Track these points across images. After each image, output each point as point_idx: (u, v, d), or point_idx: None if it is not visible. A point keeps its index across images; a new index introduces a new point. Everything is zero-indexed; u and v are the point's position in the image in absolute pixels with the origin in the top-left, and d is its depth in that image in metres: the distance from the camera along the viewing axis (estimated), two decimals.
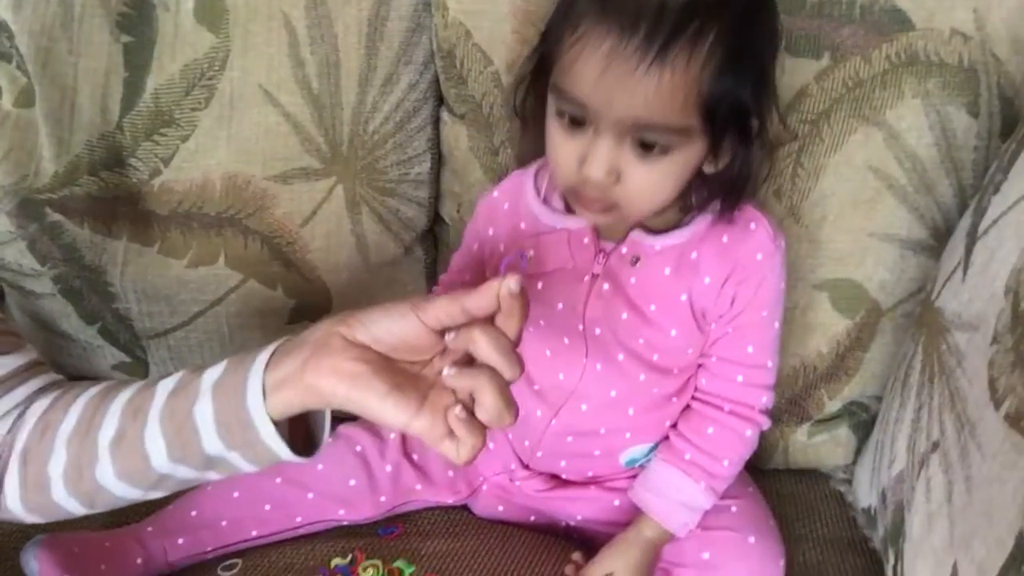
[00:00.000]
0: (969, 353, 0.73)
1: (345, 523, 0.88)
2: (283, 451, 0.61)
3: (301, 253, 0.98)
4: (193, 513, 0.85)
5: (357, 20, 0.93)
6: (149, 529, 0.84)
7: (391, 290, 1.01)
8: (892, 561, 0.81)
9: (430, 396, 0.58)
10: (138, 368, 1.05)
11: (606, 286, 0.79)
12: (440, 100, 0.98)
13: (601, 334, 0.80)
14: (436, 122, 0.99)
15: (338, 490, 0.87)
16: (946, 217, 0.91)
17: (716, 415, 0.83)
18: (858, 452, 1.01)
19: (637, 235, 0.79)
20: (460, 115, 0.96)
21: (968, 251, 0.78)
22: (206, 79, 0.94)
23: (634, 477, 0.87)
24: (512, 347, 0.57)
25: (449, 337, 0.58)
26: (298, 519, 0.87)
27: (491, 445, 0.91)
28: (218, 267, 0.98)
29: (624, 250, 0.79)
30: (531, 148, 0.82)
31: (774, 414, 0.86)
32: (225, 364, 0.63)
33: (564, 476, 0.90)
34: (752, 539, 0.83)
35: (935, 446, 0.74)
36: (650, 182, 0.70)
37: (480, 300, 0.57)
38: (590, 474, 0.89)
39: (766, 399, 0.84)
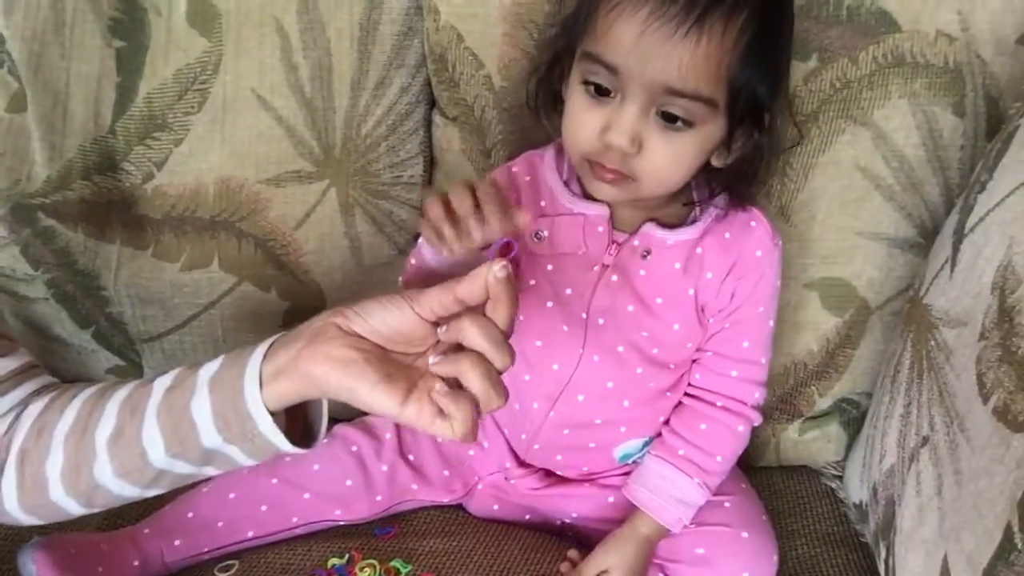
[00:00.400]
0: (957, 349, 0.74)
1: (341, 523, 0.88)
2: (281, 442, 0.61)
3: (295, 256, 0.98)
4: (190, 515, 0.85)
5: (349, 24, 0.93)
6: (146, 531, 0.84)
7: (384, 292, 1.00)
8: (883, 555, 0.82)
9: (419, 384, 0.59)
10: (133, 372, 1.05)
11: (615, 277, 0.80)
12: (432, 103, 0.99)
13: (604, 324, 0.81)
14: (428, 125, 0.99)
15: (334, 490, 0.87)
16: (933, 216, 0.92)
17: (709, 411, 0.84)
18: (849, 448, 1.03)
19: (650, 228, 0.80)
20: (452, 118, 0.96)
21: (955, 249, 0.79)
22: (199, 83, 0.94)
23: (627, 474, 0.87)
24: (501, 335, 0.58)
25: (441, 331, 0.59)
26: (294, 520, 0.87)
27: (485, 444, 0.91)
28: (212, 270, 0.98)
29: (636, 242, 0.80)
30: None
31: (765, 411, 0.87)
32: (222, 359, 0.64)
33: (559, 472, 0.90)
34: (746, 534, 0.84)
35: (925, 441, 0.75)
36: (669, 156, 0.71)
37: (470, 287, 0.58)
38: (585, 469, 0.90)
39: (758, 395, 0.85)
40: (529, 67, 0.89)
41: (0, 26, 0.94)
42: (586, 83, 0.71)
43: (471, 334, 0.57)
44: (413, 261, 0.78)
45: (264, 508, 0.86)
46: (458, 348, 0.59)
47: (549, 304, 0.81)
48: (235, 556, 0.85)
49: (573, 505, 0.90)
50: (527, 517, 0.92)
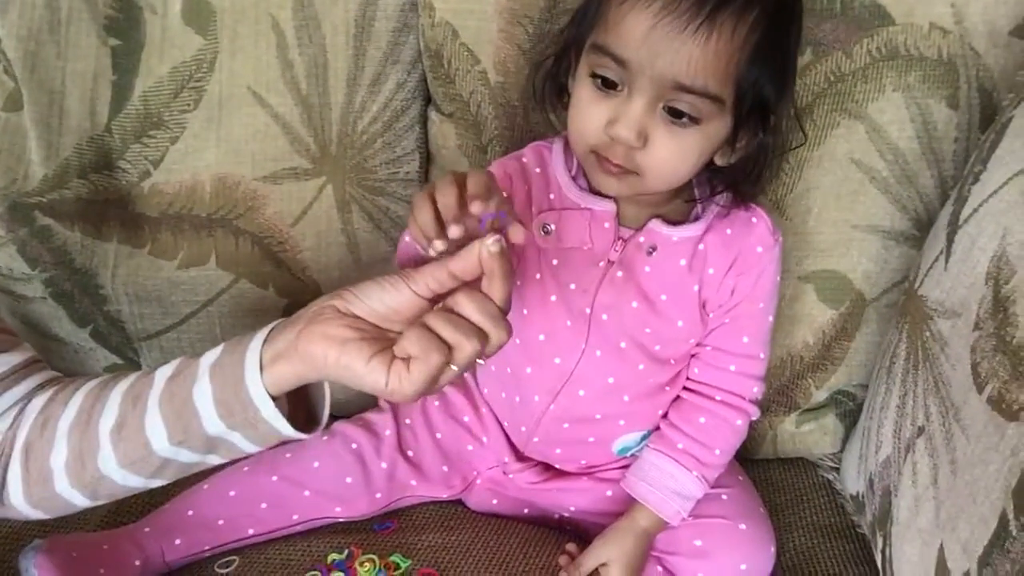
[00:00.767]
0: (952, 339, 0.74)
1: (341, 520, 0.88)
2: (283, 427, 0.62)
3: (292, 253, 0.99)
4: (190, 513, 0.85)
5: (344, 21, 0.93)
6: (146, 530, 0.84)
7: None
8: (880, 545, 0.82)
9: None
10: (131, 370, 1.04)
11: (620, 274, 0.80)
12: (428, 99, 0.99)
13: (608, 320, 0.81)
14: (424, 121, 0.99)
15: (334, 488, 0.87)
16: (928, 208, 0.92)
17: (708, 404, 0.85)
18: (845, 440, 1.03)
19: (655, 225, 0.80)
20: (448, 114, 0.97)
21: (949, 240, 0.79)
22: (194, 81, 0.94)
23: (626, 467, 0.88)
24: (498, 310, 0.58)
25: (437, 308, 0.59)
26: (295, 517, 0.87)
27: (484, 439, 0.92)
28: (209, 268, 0.98)
29: (642, 239, 0.80)
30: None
31: (762, 404, 0.87)
32: (222, 347, 0.64)
33: (558, 465, 0.91)
34: (743, 526, 0.84)
35: (920, 431, 0.76)
36: (674, 152, 0.71)
37: (464, 263, 0.59)
38: (583, 462, 0.90)
39: (757, 389, 0.85)
40: (528, 62, 0.89)
41: None
42: (594, 76, 0.71)
43: (468, 310, 0.58)
44: (407, 239, 0.77)
45: (264, 506, 0.86)
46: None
47: (553, 298, 0.81)
48: (235, 553, 0.85)
49: (571, 499, 0.91)
50: (525, 511, 0.92)
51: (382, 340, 0.59)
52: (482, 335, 0.57)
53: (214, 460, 0.66)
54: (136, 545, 0.82)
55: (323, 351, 0.58)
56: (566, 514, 0.92)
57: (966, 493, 0.65)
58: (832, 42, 0.88)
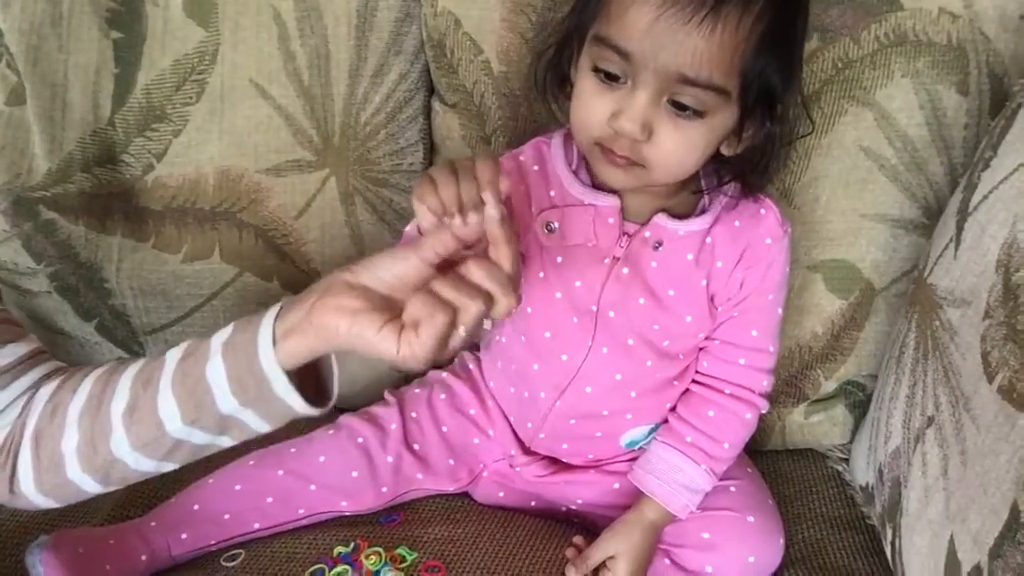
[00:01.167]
0: (962, 328, 0.73)
1: (347, 513, 0.88)
2: (295, 402, 0.63)
3: (296, 245, 0.98)
4: (196, 507, 0.85)
5: (346, 11, 0.93)
6: (152, 524, 0.84)
7: None
8: (890, 537, 0.82)
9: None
10: None
11: (625, 270, 0.79)
12: (431, 90, 0.98)
13: (614, 317, 0.80)
14: (428, 112, 0.99)
15: (340, 482, 0.87)
16: (937, 195, 0.91)
17: (717, 398, 0.84)
18: (855, 431, 1.02)
19: (661, 219, 0.79)
20: (451, 104, 0.96)
21: (959, 227, 0.79)
22: (196, 73, 0.94)
23: (633, 460, 0.87)
24: (505, 276, 0.60)
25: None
26: (300, 511, 0.87)
27: (491, 432, 0.91)
28: (213, 261, 0.98)
29: (647, 234, 0.79)
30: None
31: (771, 396, 0.86)
32: (232, 325, 0.65)
33: (564, 459, 0.90)
34: (752, 518, 0.84)
35: (930, 421, 0.75)
36: (680, 144, 0.70)
37: (468, 228, 0.60)
38: (591, 456, 0.89)
39: (766, 383, 0.84)
40: (531, 51, 0.88)
41: None
42: (596, 69, 0.70)
43: (476, 275, 0.59)
44: (409, 230, 0.76)
45: (270, 500, 0.86)
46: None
47: (558, 295, 0.81)
48: (241, 546, 0.85)
49: (578, 491, 0.90)
50: (532, 504, 0.92)
51: (392, 310, 0.60)
52: (487, 297, 0.59)
53: (226, 441, 0.67)
54: (142, 539, 0.82)
55: (335, 322, 0.60)
56: (573, 507, 0.91)
57: (976, 484, 0.65)
58: (839, 28, 0.87)
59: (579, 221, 0.79)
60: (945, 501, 0.69)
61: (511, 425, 0.91)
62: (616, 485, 0.88)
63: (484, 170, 0.61)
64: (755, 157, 0.75)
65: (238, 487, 0.86)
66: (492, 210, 0.59)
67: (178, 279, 0.99)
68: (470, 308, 0.58)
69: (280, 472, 0.87)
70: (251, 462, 0.87)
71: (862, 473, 0.95)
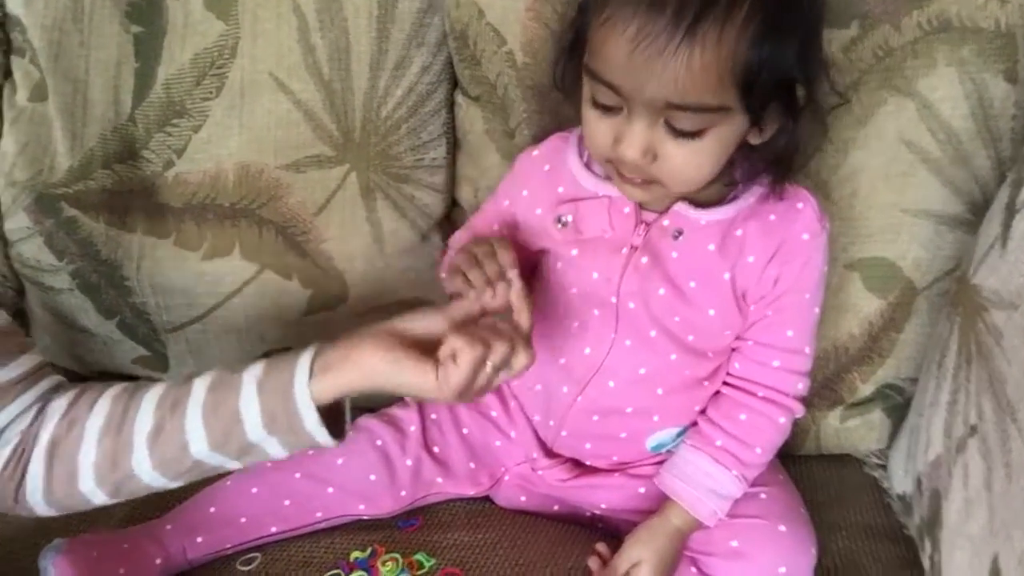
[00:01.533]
0: (1008, 332, 0.70)
1: (365, 517, 0.87)
2: (322, 437, 0.68)
3: (316, 242, 0.97)
4: (212, 510, 0.84)
5: (367, 2, 0.91)
6: (168, 527, 0.83)
7: (407, 278, 0.99)
8: (928, 550, 0.79)
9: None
10: (158, 362, 1.05)
11: (644, 259, 0.78)
12: (454, 83, 0.96)
13: (635, 309, 0.79)
14: (451, 105, 0.97)
15: (358, 485, 0.86)
16: (984, 190, 0.88)
17: (749, 401, 0.81)
18: (892, 436, 0.99)
19: (681, 207, 0.77)
20: (475, 97, 0.94)
21: (1006, 225, 0.75)
22: (216, 68, 0.93)
23: (660, 463, 0.85)
24: (527, 335, 0.68)
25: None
26: (318, 514, 0.86)
27: (512, 434, 0.90)
28: (233, 258, 0.97)
29: (666, 222, 0.77)
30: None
31: (806, 399, 0.83)
32: (264, 362, 0.70)
33: (588, 461, 0.88)
34: (782, 527, 0.81)
35: (973, 430, 0.72)
36: (688, 160, 0.69)
37: (496, 301, 0.70)
38: (615, 459, 0.87)
39: (801, 386, 0.82)
40: (554, 44, 0.86)
41: (21, 16, 0.95)
42: (593, 98, 0.69)
43: (505, 330, 0.68)
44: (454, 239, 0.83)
45: (287, 503, 0.85)
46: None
47: (573, 290, 0.79)
48: (257, 549, 0.85)
49: (602, 496, 0.88)
50: (555, 508, 0.90)
51: (422, 348, 0.67)
52: (512, 344, 0.67)
53: (237, 465, 0.71)
54: (157, 543, 0.82)
55: (374, 361, 0.67)
56: (597, 511, 0.90)
57: (1022, 500, 0.61)
58: (880, 14, 0.83)
59: (594, 213, 0.78)
60: (988, 517, 0.66)
61: (533, 427, 0.89)
62: (641, 489, 0.86)
63: (504, 255, 0.72)
64: (785, 141, 0.72)
65: (255, 490, 0.85)
66: (516, 284, 0.70)
67: (198, 277, 0.98)
68: (500, 348, 0.66)
69: (297, 475, 0.86)
70: (269, 465, 0.86)
71: (900, 481, 0.92)
